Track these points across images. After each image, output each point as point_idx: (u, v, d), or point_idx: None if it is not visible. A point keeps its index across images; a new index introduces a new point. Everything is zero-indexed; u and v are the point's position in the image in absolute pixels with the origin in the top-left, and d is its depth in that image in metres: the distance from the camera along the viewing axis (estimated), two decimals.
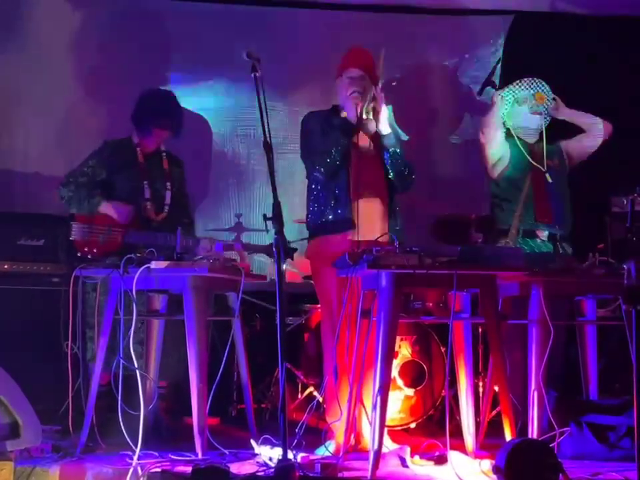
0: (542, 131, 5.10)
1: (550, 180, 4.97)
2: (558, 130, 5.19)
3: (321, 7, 6.47)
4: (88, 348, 4.89)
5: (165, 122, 5.05)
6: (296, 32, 6.41)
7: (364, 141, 4.64)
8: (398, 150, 4.61)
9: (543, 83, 5.08)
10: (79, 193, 4.95)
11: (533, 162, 4.98)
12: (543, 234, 4.93)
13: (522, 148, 5.03)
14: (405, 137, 4.86)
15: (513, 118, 5.10)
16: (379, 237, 4.32)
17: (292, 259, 4.22)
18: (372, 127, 4.62)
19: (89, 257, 4.78)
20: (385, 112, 4.57)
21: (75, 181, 5.00)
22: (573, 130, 5.21)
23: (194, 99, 6.32)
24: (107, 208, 4.91)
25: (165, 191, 5.08)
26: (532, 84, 5.06)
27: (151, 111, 5.04)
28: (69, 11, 6.23)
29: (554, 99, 5.12)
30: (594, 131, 5.16)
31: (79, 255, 4.81)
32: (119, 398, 4.09)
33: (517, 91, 5.08)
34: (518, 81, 5.11)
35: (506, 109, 5.10)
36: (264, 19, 6.37)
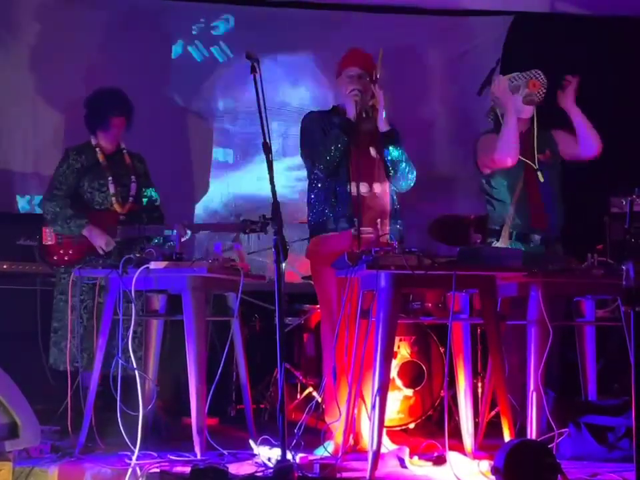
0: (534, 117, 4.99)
1: (542, 179, 4.92)
2: (550, 117, 5.06)
3: (320, 7, 6.48)
4: (50, 353, 4.92)
5: (119, 107, 5.10)
6: (295, 32, 6.41)
7: (364, 139, 4.64)
8: (398, 148, 4.61)
9: (539, 72, 4.97)
10: (64, 212, 4.97)
11: (523, 158, 4.89)
12: (536, 238, 4.89)
13: None
14: None
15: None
16: (379, 236, 4.32)
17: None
18: (372, 124, 4.62)
19: (65, 259, 4.84)
20: (384, 110, 4.58)
21: (58, 194, 5.03)
22: (566, 123, 5.14)
23: (195, 99, 6.35)
24: (89, 232, 4.94)
25: (131, 183, 5.13)
26: (527, 74, 4.98)
27: (105, 102, 5.10)
28: (68, 10, 6.23)
29: (565, 84, 4.98)
30: (584, 145, 5.00)
31: (55, 258, 4.87)
32: (118, 398, 4.09)
33: (512, 80, 5.01)
34: (515, 74, 5.05)
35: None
36: (263, 19, 6.38)
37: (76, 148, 5.15)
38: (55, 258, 4.94)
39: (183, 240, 4.70)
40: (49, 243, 4.96)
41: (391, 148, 4.60)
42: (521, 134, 4.92)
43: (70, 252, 4.92)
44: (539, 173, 4.90)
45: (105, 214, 5.01)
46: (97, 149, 5.12)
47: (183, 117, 6.39)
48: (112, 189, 5.04)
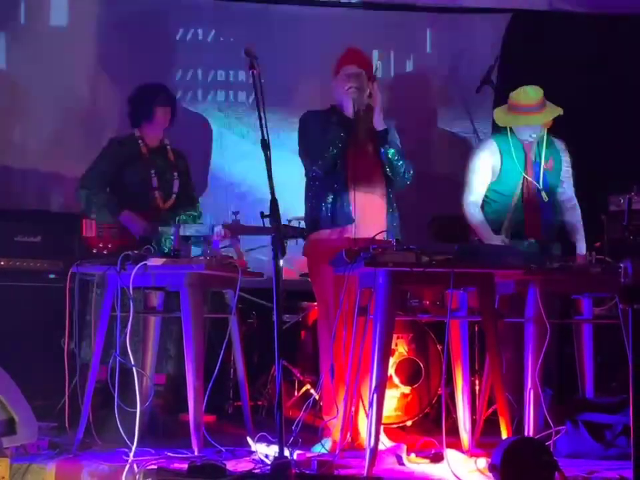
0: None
1: (546, 199, 4.91)
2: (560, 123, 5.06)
3: (319, 4, 6.48)
4: (81, 346, 4.89)
5: (164, 97, 5.13)
6: (294, 30, 6.40)
7: (361, 137, 4.64)
8: (395, 146, 4.62)
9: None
10: (99, 199, 4.98)
11: (527, 177, 4.88)
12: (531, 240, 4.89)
13: (515, 158, 4.92)
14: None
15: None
16: (377, 234, 4.32)
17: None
18: (368, 123, 4.62)
19: (105, 252, 4.78)
20: (381, 108, 4.58)
21: (93, 182, 5.03)
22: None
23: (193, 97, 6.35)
24: (125, 218, 4.94)
25: (173, 180, 5.16)
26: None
27: (149, 93, 5.12)
28: (69, 7, 6.23)
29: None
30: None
31: (94, 251, 4.82)
32: (116, 395, 4.09)
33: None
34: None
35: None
36: (262, 17, 6.37)
37: (119, 139, 5.16)
38: (95, 250, 4.88)
39: (222, 243, 4.63)
40: (89, 235, 4.89)
41: (387, 146, 4.60)
42: (526, 144, 4.95)
43: (109, 245, 4.85)
44: (543, 194, 4.89)
45: (146, 208, 5.01)
46: (140, 142, 5.12)
47: (184, 117, 6.39)
48: (154, 183, 5.06)
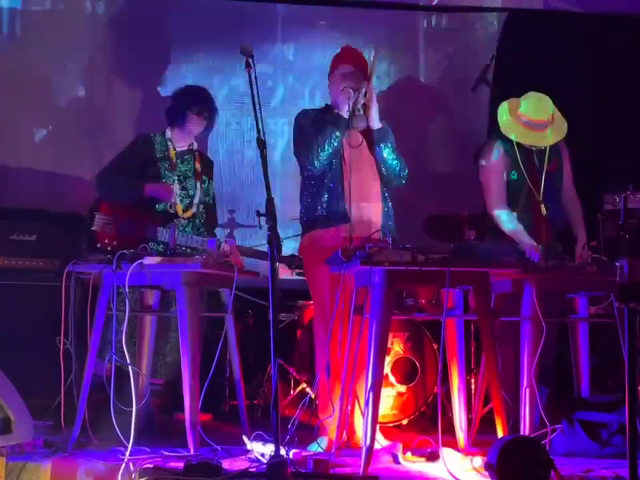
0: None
1: (544, 212, 4.86)
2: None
3: (316, 3, 6.48)
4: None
5: (198, 106, 4.98)
6: (292, 28, 6.41)
7: (356, 136, 4.64)
8: (390, 145, 4.62)
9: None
10: (119, 183, 4.86)
11: (532, 187, 4.84)
12: None
13: (522, 165, 4.86)
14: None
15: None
16: (372, 233, 4.33)
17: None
18: (364, 122, 4.62)
19: (109, 248, 4.75)
20: (376, 108, 4.58)
21: (113, 170, 4.93)
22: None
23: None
24: (150, 190, 4.83)
25: (195, 189, 5.04)
26: None
27: (186, 97, 5.01)
28: (66, 5, 6.23)
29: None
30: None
31: (98, 245, 4.79)
32: (111, 394, 4.08)
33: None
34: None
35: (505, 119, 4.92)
36: (260, 15, 6.37)
37: (147, 137, 5.05)
38: (99, 245, 4.84)
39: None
40: (98, 229, 4.84)
41: (382, 145, 4.60)
42: (529, 150, 4.90)
43: (114, 242, 4.82)
44: (542, 206, 4.86)
45: (164, 214, 4.90)
46: (170, 143, 5.03)
47: None
48: (176, 189, 4.96)
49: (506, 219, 4.85)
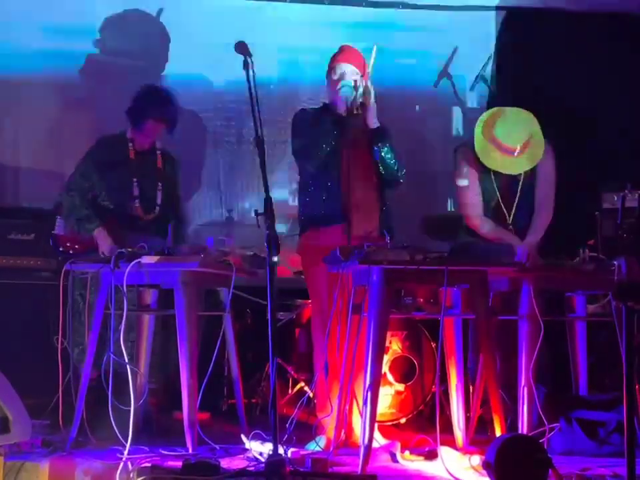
0: None
1: (511, 228, 4.76)
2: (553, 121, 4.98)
3: (313, 2, 6.48)
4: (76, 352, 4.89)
5: (160, 114, 4.93)
6: (289, 27, 6.41)
7: (354, 136, 4.64)
8: (387, 145, 4.62)
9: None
10: (80, 211, 4.88)
11: (501, 203, 4.75)
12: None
13: (492, 176, 4.76)
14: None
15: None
16: (370, 232, 4.33)
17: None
18: (361, 121, 4.62)
19: (71, 252, 4.78)
20: (374, 107, 4.58)
21: (78, 188, 4.93)
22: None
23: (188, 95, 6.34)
24: (98, 235, 4.82)
25: (157, 191, 5.01)
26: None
27: (147, 102, 4.95)
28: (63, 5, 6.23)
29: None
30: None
31: (60, 249, 4.82)
32: (109, 393, 4.08)
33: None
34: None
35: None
36: (257, 14, 6.37)
37: (107, 139, 5.03)
38: (61, 249, 4.86)
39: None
40: (59, 232, 4.86)
41: (380, 145, 4.60)
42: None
43: (76, 246, 4.83)
44: (508, 218, 4.78)
45: (123, 216, 4.93)
46: (130, 144, 4.98)
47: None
48: (135, 192, 4.94)
49: (482, 223, 4.77)
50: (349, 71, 4.62)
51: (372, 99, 4.56)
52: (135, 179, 4.96)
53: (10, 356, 4.66)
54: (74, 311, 4.59)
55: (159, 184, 5.03)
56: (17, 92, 6.14)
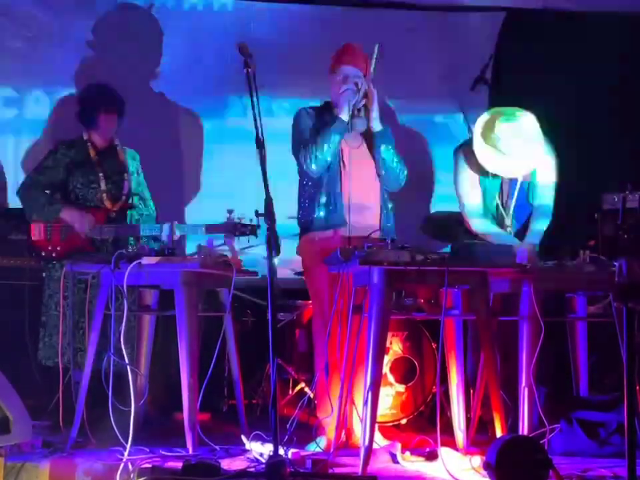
0: None
1: (511, 232, 4.75)
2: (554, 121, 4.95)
3: (314, 2, 6.47)
4: (39, 348, 4.91)
5: (108, 104, 5.05)
6: (289, 27, 6.40)
7: (356, 137, 4.64)
8: (390, 147, 4.61)
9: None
10: (38, 199, 4.95)
11: (500, 205, 4.74)
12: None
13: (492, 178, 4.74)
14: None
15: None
16: (371, 233, 4.32)
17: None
18: (364, 123, 4.61)
19: (54, 255, 4.82)
20: (377, 109, 4.57)
21: (35, 182, 5.01)
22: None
23: (186, 93, 6.33)
24: (66, 214, 4.90)
25: (123, 181, 5.08)
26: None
27: (93, 100, 5.07)
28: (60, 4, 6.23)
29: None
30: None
31: (43, 254, 4.85)
32: (110, 394, 4.08)
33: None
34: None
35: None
36: (256, 14, 6.37)
37: (67, 142, 5.10)
38: (43, 254, 4.91)
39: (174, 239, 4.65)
40: (38, 238, 4.92)
41: (382, 147, 4.60)
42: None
43: (58, 248, 4.89)
44: (509, 222, 4.77)
45: (95, 211, 4.96)
46: (89, 144, 5.07)
47: (175, 114, 6.37)
48: (102, 185, 5.00)
49: (478, 221, 4.76)
50: (351, 74, 4.61)
51: (375, 101, 4.56)
52: (100, 174, 5.03)
53: (8, 356, 4.65)
54: (61, 313, 4.60)
55: (125, 175, 5.11)
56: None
